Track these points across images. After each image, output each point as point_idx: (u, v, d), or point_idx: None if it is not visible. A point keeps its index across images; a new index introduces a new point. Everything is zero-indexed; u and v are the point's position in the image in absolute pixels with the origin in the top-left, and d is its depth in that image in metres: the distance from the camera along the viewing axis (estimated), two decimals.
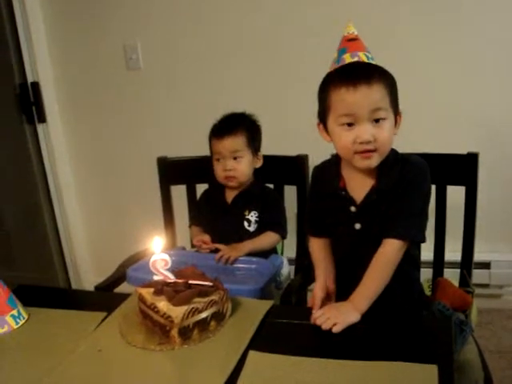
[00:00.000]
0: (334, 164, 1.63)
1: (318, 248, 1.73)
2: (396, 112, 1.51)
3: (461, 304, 1.70)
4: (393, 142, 1.51)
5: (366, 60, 1.48)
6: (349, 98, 1.44)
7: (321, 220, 1.69)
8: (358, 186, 1.57)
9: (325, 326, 1.39)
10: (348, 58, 1.49)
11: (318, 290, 1.60)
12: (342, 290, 1.62)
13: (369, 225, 1.57)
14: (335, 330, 1.37)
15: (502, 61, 2.59)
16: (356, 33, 1.54)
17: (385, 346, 1.32)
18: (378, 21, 2.57)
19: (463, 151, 1.90)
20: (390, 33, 2.58)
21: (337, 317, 1.40)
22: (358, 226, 1.58)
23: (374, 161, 1.49)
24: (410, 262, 1.61)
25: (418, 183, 1.53)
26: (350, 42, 1.52)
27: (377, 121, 1.45)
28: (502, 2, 2.53)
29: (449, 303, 1.65)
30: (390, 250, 1.50)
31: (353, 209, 1.58)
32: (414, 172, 1.53)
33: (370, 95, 1.43)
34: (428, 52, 2.61)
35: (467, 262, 1.96)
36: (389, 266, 1.50)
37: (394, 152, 1.56)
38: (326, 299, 1.61)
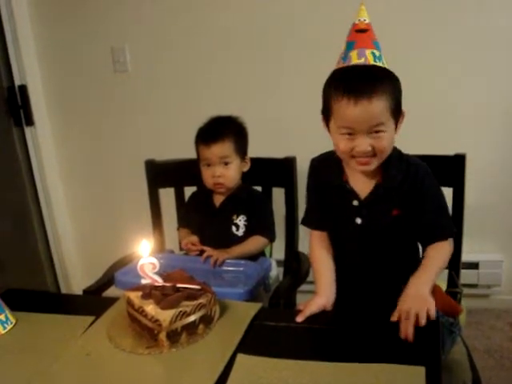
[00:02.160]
0: (335, 158, 1.62)
1: (318, 244, 1.72)
2: (398, 115, 1.52)
3: (450, 312, 1.69)
4: (393, 143, 1.54)
5: (372, 61, 1.46)
6: (349, 113, 1.44)
7: (321, 212, 1.70)
8: (362, 181, 1.59)
9: (421, 322, 1.34)
10: (354, 57, 1.46)
11: (314, 307, 1.50)
12: (343, 287, 1.63)
13: (370, 220, 1.59)
14: (432, 316, 1.36)
15: (489, 61, 2.60)
16: (367, 20, 1.50)
17: (373, 348, 1.32)
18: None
19: (450, 152, 1.91)
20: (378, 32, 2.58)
21: (419, 309, 1.36)
22: (359, 220, 1.60)
23: (372, 166, 1.52)
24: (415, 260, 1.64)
25: (431, 181, 1.58)
26: (360, 33, 1.49)
27: (376, 131, 1.46)
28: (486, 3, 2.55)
29: (439, 308, 1.65)
30: (446, 251, 1.58)
31: (355, 203, 1.59)
32: (422, 172, 1.57)
33: (370, 111, 1.43)
34: (416, 53, 2.62)
35: (455, 263, 1.96)
36: (442, 265, 1.57)
37: (397, 150, 1.59)
38: None
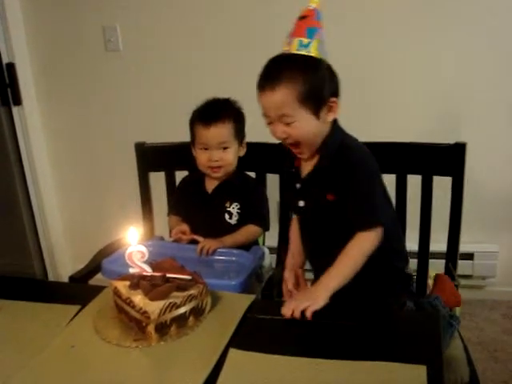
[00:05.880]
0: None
1: (293, 227, 1.82)
2: (320, 104, 1.51)
3: (452, 303, 1.69)
4: (318, 131, 1.54)
5: (295, 49, 1.49)
6: (262, 101, 1.53)
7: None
8: (306, 166, 1.63)
9: (296, 315, 1.37)
10: (285, 45, 1.53)
11: (286, 274, 1.71)
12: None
13: (308, 202, 1.64)
14: (308, 315, 1.36)
15: (488, 51, 2.59)
16: (313, 6, 1.52)
17: (373, 346, 1.28)
18: (362, 10, 2.54)
19: (450, 141, 1.87)
20: (376, 20, 2.54)
21: (304, 302, 1.38)
22: (301, 203, 1.66)
23: (305, 154, 1.57)
24: (391, 254, 1.66)
25: (362, 167, 1.54)
26: (299, 20, 1.52)
27: (287, 122, 1.50)
28: None
29: (445, 299, 1.65)
30: (364, 242, 1.51)
31: (298, 185, 1.65)
32: (355, 157, 1.55)
33: (273, 101, 1.49)
34: (418, 42, 2.59)
35: (453, 254, 1.94)
36: (360, 256, 1.49)
37: (340, 134, 1.60)
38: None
